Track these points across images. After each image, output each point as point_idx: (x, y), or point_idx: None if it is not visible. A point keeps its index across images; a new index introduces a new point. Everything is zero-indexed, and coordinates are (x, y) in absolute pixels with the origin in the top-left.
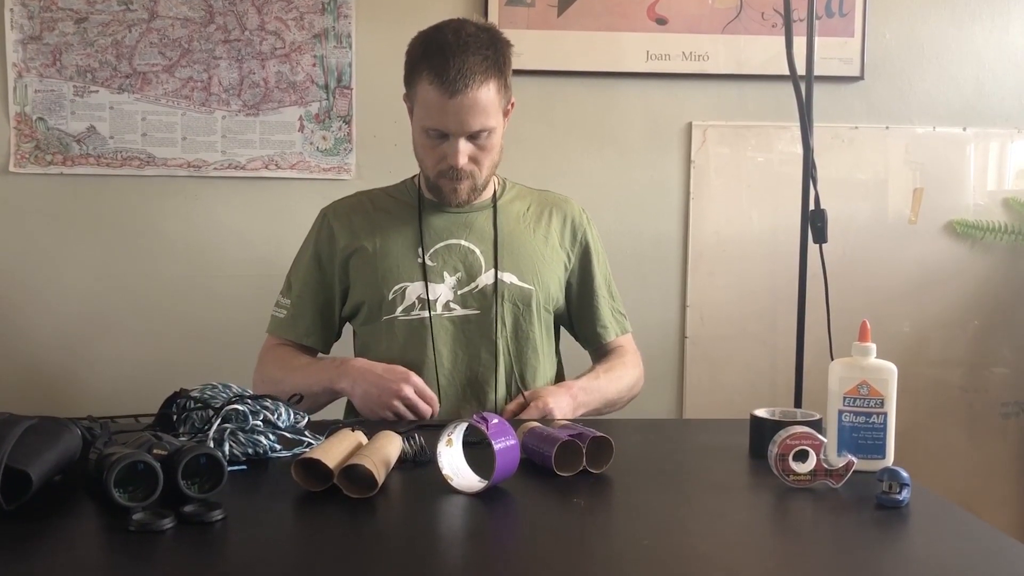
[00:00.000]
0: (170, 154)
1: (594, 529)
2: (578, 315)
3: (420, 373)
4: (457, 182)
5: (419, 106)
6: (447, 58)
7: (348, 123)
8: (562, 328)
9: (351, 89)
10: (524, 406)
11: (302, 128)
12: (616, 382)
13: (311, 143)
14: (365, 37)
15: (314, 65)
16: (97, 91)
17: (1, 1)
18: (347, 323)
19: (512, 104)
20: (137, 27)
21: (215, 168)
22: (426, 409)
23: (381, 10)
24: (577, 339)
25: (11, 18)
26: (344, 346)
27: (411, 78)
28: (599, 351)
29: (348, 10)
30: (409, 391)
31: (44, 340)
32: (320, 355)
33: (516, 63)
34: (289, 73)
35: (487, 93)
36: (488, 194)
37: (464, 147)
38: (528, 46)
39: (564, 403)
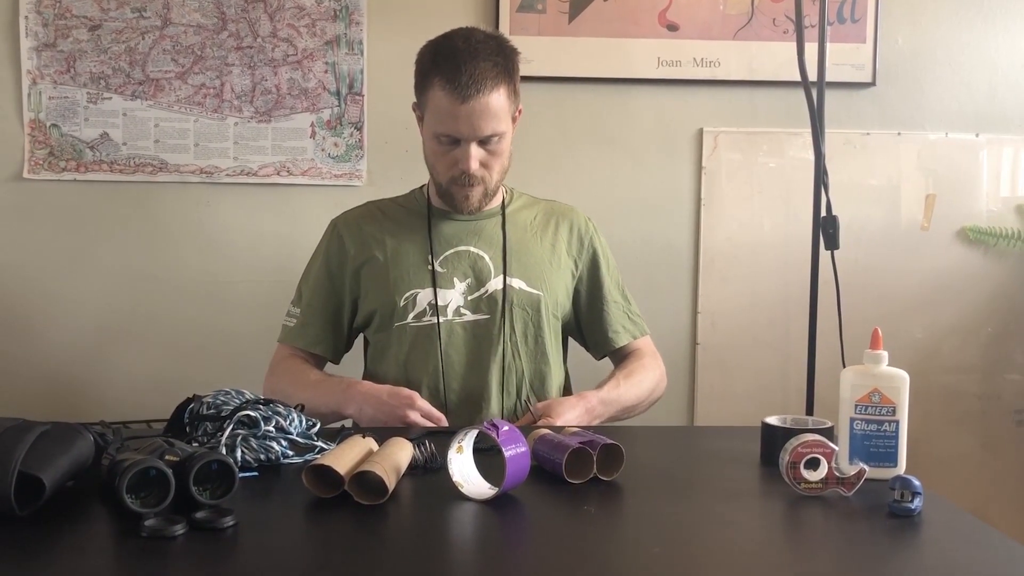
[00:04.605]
0: (182, 160)
1: (604, 537)
2: (588, 322)
3: (429, 379)
4: (469, 188)
5: (430, 113)
6: (458, 64)
7: (360, 129)
8: (570, 340)
9: (363, 96)
10: (534, 422)
11: (314, 134)
12: (636, 387)
13: (323, 149)
14: (377, 44)
15: (326, 72)
16: (110, 98)
17: (16, 8)
18: (359, 334)
19: (520, 111)
20: (150, 34)
21: (227, 174)
22: (432, 427)
23: (392, 17)
24: (588, 348)
25: (26, 25)
26: (354, 353)
27: (422, 86)
28: (616, 356)
29: (360, 17)
30: (415, 416)
31: (56, 345)
32: (329, 368)
33: (527, 70)
34: (301, 80)
35: (498, 98)
36: (496, 202)
37: (475, 152)
38: (539, 53)
39: (575, 416)
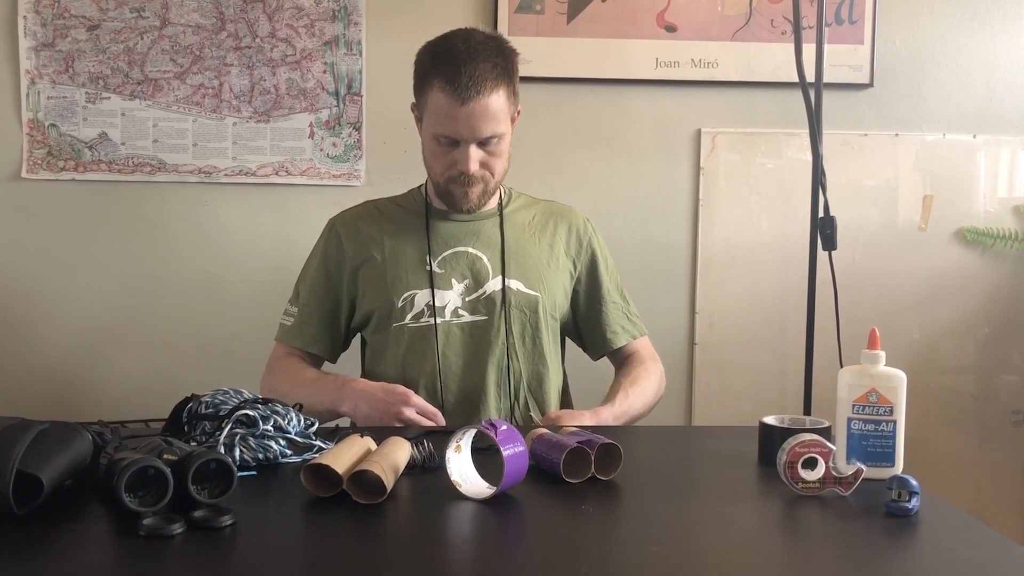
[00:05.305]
0: (181, 160)
1: (602, 536)
2: (586, 322)
3: (426, 379)
4: (468, 187)
5: (430, 114)
6: (458, 65)
7: (358, 130)
8: (568, 341)
9: (361, 96)
10: None
11: (312, 135)
12: (643, 394)
13: (321, 149)
14: (375, 44)
15: (324, 72)
16: (109, 97)
17: (15, 8)
18: (357, 334)
19: (519, 112)
20: (149, 34)
21: (226, 174)
22: (430, 425)
23: (391, 17)
24: (585, 349)
25: (24, 25)
26: (351, 353)
27: (421, 87)
28: (615, 357)
29: (358, 17)
30: (410, 412)
31: (55, 345)
32: (325, 367)
33: (525, 70)
34: (300, 80)
35: (497, 100)
36: (494, 203)
37: (475, 153)
38: (537, 53)
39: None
